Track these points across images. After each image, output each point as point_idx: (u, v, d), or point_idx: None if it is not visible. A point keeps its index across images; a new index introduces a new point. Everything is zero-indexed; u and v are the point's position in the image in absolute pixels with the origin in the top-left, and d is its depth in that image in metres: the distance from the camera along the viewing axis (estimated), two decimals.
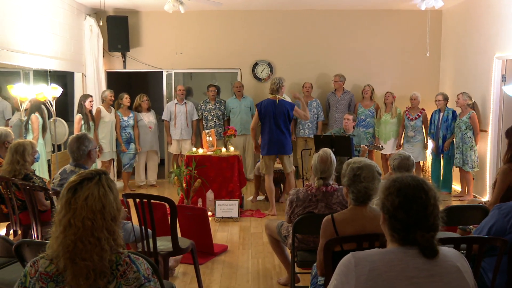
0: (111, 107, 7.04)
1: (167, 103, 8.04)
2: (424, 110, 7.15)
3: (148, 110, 7.41)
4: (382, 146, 5.98)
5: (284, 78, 5.78)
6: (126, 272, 1.58)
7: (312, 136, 7.42)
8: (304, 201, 3.12)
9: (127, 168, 7.15)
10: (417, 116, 7.09)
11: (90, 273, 1.54)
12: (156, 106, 8.02)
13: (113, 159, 7.38)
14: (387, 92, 7.35)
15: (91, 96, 6.68)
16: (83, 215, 1.57)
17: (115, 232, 1.62)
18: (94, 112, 6.82)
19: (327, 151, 3.20)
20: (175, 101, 7.64)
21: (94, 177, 1.64)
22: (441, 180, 6.95)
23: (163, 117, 7.71)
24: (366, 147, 5.71)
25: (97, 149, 3.53)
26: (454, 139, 6.66)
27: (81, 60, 7.33)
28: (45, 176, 5.75)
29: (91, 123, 6.58)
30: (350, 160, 2.52)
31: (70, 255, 1.55)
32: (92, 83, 7.43)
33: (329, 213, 2.49)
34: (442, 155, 6.88)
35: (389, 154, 7.17)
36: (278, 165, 6.12)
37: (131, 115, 7.14)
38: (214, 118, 7.65)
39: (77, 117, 6.53)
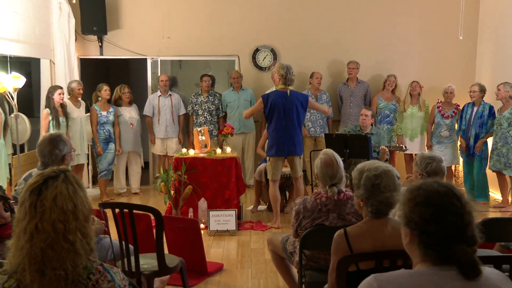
0: (80, 101, 7.03)
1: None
2: (459, 106, 7.13)
3: (130, 104, 7.42)
4: (405, 147, 5.99)
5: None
6: (99, 282, 1.62)
7: (322, 135, 7.42)
8: (313, 212, 3.12)
9: (105, 174, 7.13)
10: (453, 114, 7.07)
11: (60, 283, 1.57)
12: (139, 100, 8.02)
13: (87, 163, 7.36)
14: (414, 82, 7.34)
15: (61, 88, 6.62)
16: (53, 218, 1.60)
17: (89, 234, 1.67)
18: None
19: (329, 152, 3.21)
20: (159, 93, 7.66)
21: (59, 175, 1.68)
22: (476, 187, 6.92)
23: (144, 112, 7.71)
24: (386, 148, 5.72)
25: (72, 152, 3.54)
26: (492, 138, 6.62)
27: (48, 44, 7.31)
28: (3, 182, 5.71)
29: (61, 119, 6.51)
30: (360, 166, 2.50)
31: (39, 266, 1.57)
32: (62, 72, 7.40)
33: (343, 226, 2.49)
34: (473, 158, 6.86)
35: (415, 154, 7.16)
36: (284, 169, 6.10)
37: (111, 110, 7.14)
38: (205, 113, 7.66)
39: (44, 112, 6.44)
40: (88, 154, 7.31)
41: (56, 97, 6.46)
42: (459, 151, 7.21)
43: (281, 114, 5.57)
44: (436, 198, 1.53)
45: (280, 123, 5.59)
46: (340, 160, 3.20)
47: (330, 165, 3.14)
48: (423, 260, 1.55)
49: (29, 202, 1.63)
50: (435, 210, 1.51)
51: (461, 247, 1.48)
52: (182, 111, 7.75)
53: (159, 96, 7.63)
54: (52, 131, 6.22)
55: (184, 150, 6.39)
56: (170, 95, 7.66)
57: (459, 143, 7.15)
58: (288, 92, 5.59)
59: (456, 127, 7.15)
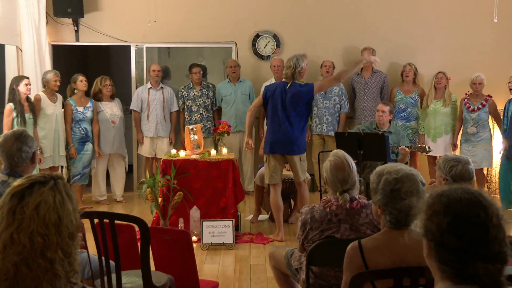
0: (57, 95, 7.01)
1: (136, 88, 8.05)
2: (490, 97, 7.11)
3: (112, 98, 7.43)
4: (428, 147, 6.00)
5: (305, 55, 5.72)
6: None
7: (331, 133, 7.43)
8: (322, 222, 3.13)
9: (79, 179, 7.10)
10: (480, 106, 7.05)
11: None
12: (122, 93, 8.03)
13: (61, 166, 7.34)
14: (439, 73, 7.33)
15: (27, 78, 6.54)
16: (32, 229, 1.59)
17: (72, 254, 1.66)
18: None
19: (339, 153, 3.21)
20: (149, 85, 7.67)
21: (48, 181, 1.68)
22: None
23: (131, 107, 7.74)
24: (406, 148, 5.72)
25: (38, 151, 3.55)
26: None
27: (14, 29, 7.28)
28: None
29: (28, 115, 6.42)
30: (380, 169, 2.51)
31: (10, 283, 1.57)
32: (31, 61, 7.38)
33: (356, 238, 2.50)
34: None
35: (439, 156, 7.15)
36: (286, 172, 6.13)
37: (88, 105, 7.13)
38: (201, 109, 7.68)
39: (7, 107, 6.35)
40: (65, 156, 7.24)
41: (22, 88, 6.36)
42: (493, 152, 7.18)
43: (277, 106, 5.61)
44: (456, 206, 1.53)
45: (276, 116, 5.63)
46: (352, 163, 3.20)
47: (341, 169, 3.14)
48: (442, 278, 1.55)
49: (8, 206, 1.63)
50: (454, 219, 1.51)
51: (483, 265, 1.47)
52: (175, 107, 7.77)
53: (149, 88, 7.64)
54: None
55: (173, 151, 6.39)
56: (161, 88, 7.67)
57: (496, 143, 7.12)
58: (289, 83, 5.61)
59: (489, 124, 7.10)
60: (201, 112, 7.69)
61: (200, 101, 7.69)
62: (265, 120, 6.11)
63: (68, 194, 1.70)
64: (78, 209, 1.75)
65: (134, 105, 7.70)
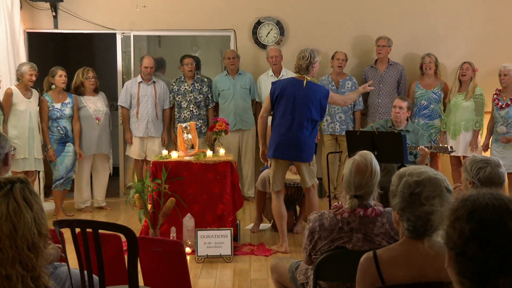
0: (32, 90, 7.00)
1: (123, 81, 8.04)
2: None
3: (95, 92, 7.43)
4: (451, 147, 6.00)
5: (318, 50, 5.74)
6: None
7: (344, 133, 7.43)
8: (332, 231, 3.13)
9: (62, 184, 7.10)
10: (510, 102, 7.03)
11: None
12: (107, 87, 8.04)
13: (37, 171, 7.34)
14: (465, 63, 7.29)
15: None
16: None
17: (35, 267, 1.65)
18: (2, 95, 6.74)
19: (367, 156, 3.19)
20: (139, 78, 7.66)
21: (3, 186, 1.68)
22: None
23: (119, 103, 7.74)
24: (426, 149, 5.72)
25: (12, 151, 3.55)
26: None
27: None
28: None
29: None
30: (403, 170, 2.52)
31: None
32: (3, 50, 7.34)
33: (370, 249, 2.50)
34: None
35: (462, 156, 7.16)
36: (292, 176, 6.13)
37: (67, 100, 7.12)
38: (191, 106, 7.66)
39: None
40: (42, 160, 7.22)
41: None
42: None
43: (289, 106, 5.59)
44: (481, 213, 1.52)
45: (284, 117, 5.61)
46: (378, 171, 3.16)
47: (362, 172, 3.12)
48: None
49: None
50: (478, 227, 1.51)
51: (506, 281, 1.46)
52: (168, 104, 7.77)
53: (139, 82, 7.63)
54: None
55: (165, 152, 6.39)
56: (153, 82, 7.66)
57: None
58: (305, 82, 5.60)
59: None
60: (191, 108, 7.67)
61: (191, 96, 7.67)
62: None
63: (27, 200, 1.68)
64: (44, 215, 1.72)
65: (122, 101, 7.69)
